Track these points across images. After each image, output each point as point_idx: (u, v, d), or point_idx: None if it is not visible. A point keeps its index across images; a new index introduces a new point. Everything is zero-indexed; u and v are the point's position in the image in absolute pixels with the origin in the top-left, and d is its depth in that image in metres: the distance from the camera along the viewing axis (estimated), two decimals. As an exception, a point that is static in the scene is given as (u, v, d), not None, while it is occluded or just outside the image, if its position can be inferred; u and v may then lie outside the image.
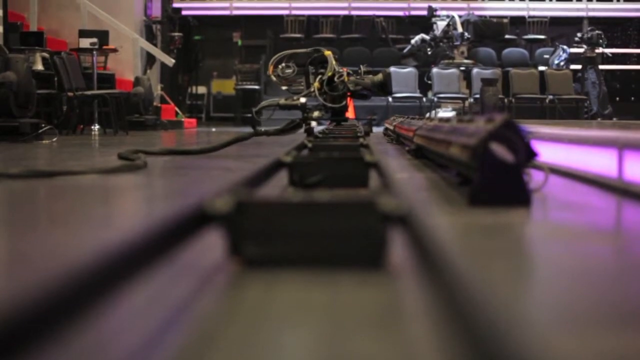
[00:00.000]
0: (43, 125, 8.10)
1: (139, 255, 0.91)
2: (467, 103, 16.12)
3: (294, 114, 5.22)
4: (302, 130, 4.93)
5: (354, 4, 19.76)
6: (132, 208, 2.59)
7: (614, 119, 16.01)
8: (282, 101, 5.06)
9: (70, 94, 9.94)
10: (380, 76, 5.57)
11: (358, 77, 5.51)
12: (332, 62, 5.25)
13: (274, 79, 5.46)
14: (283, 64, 5.39)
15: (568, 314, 1.07)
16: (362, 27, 19.37)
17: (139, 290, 1.02)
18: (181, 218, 1.11)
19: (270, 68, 5.44)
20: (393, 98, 15.89)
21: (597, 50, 16.98)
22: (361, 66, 5.81)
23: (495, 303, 0.63)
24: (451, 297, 0.73)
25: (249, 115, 5.26)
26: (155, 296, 1.13)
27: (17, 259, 1.51)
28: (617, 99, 18.69)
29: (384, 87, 5.70)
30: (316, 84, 5.22)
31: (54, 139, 7.54)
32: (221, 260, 1.32)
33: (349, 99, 5.56)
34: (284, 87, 5.50)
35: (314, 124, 5.22)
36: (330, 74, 5.23)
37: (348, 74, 5.26)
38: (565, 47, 17.54)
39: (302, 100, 5.06)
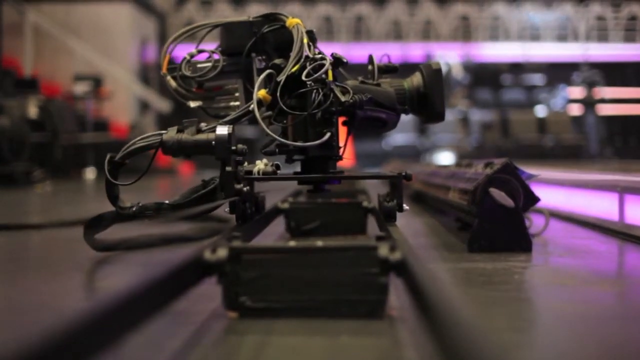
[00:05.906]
0: (36, 171, 8.07)
1: (131, 307, 0.88)
2: (465, 147, 16.16)
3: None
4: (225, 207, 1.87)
5: (350, 46, 19.93)
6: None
7: (614, 160, 16.05)
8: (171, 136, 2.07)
9: (64, 139, 9.94)
10: (416, 78, 2.15)
11: (366, 81, 2.18)
12: (303, 40, 1.91)
13: (172, 84, 2.14)
14: (194, 51, 2.10)
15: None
16: (357, 72, 19.46)
17: (134, 341, 0.99)
18: (174, 269, 1.08)
19: (165, 59, 2.12)
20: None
21: (595, 92, 17.08)
22: (372, 56, 2.23)
23: (496, 351, 0.63)
24: (451, 345, 0.72)
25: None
26: (151, 347, 1.09)
27: (9, 311, 1.47)
28: (617, 140, 18.75)
29: (427, 102, 2.14)
30: (261, 93, 1.85)
31: (47, 185, 7.51)
32: (216, 311, 1.30)
33: (341, 125, 2.08)
34: (192, 104, 2.19)
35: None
36: (294, 69, 1.86)
37: (338, 62, 2.00)
38: (564, 88, 17.64)
39: (222, 131, 1.85)
